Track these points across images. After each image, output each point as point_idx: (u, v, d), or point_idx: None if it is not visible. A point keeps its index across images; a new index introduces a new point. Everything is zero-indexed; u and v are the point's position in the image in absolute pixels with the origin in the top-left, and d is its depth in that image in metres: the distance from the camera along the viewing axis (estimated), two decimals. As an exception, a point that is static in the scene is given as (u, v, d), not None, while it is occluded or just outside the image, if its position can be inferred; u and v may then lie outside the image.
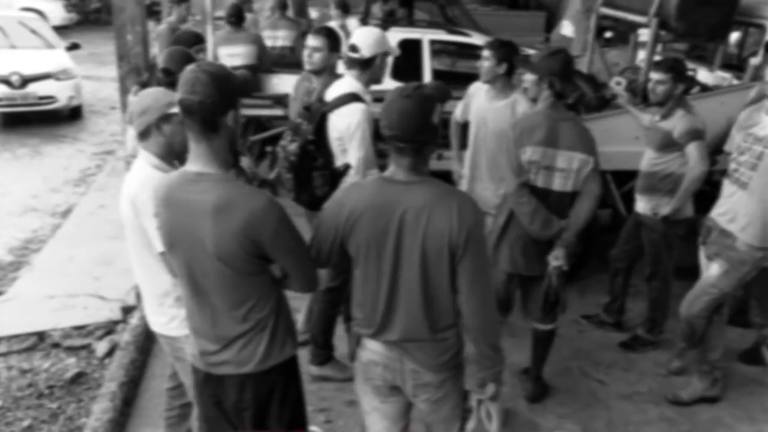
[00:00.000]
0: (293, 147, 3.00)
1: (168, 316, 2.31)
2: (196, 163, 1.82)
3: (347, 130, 2.94)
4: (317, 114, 3.03)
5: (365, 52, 3.04)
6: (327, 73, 3.35)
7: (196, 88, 1.75)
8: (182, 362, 2.30)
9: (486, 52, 3.48)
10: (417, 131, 1.86)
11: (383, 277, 1.95)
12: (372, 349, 2.05)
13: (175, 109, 2.19)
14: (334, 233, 1.96)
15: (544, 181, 2.92)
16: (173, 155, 2.27)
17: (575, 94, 4.48)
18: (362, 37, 3.09)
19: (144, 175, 2.18)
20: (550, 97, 2.92)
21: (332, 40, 3.32)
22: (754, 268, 3.08)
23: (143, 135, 2.23)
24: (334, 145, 3.02)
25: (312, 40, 3.31)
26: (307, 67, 3.38)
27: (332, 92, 3.10)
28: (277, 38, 6.19)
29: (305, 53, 3.35)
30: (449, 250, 1.87)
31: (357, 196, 1.95)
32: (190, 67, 1.81)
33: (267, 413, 2.00)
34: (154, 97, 2.26)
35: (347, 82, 3.09)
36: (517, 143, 2.91)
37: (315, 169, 3.00)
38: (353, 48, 3.06)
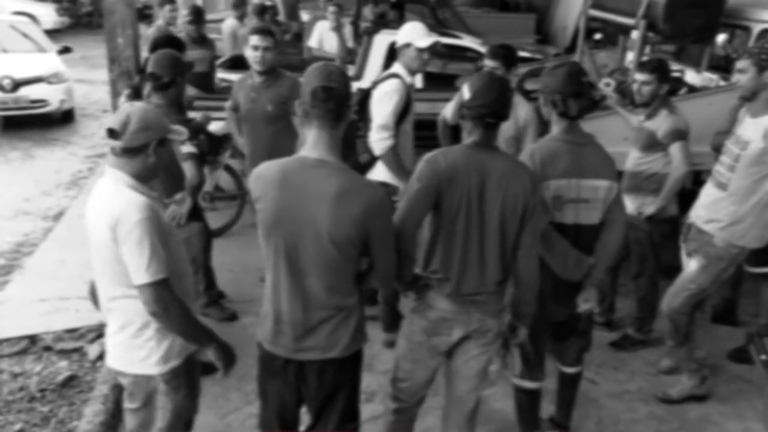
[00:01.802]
0: None
1: (146, 350, 2.13)
2: (316, 150, 1.94)
3: (377, 95, 3.34)
4: (360, 92, 3.44)
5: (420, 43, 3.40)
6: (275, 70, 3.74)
7: (333, 77, 1.92)
8: (154, 406, 2.22)
9: (489, 62, 3.47)
10: (507, 108, 2.24)
11: (466, 234, 2.21)
12: (442, 308, 2.31)
13: (173, 136, 2.14)
14: (434, 184, 2.17)
15: (573, 215, 2.58)
16: (151, 179, 2.13)
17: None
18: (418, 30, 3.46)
19: (127, 199, 2.00)
20: (559, 118, 2.55)
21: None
22: (731, 265, 3.14)
23: (133, 151, 2.03)
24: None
25: (263, 41, 3.62)
26: (257, 68, 3.68)
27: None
28: None
29: (257, 54, 3.64)
30: (523, 209, 2.21)
31: (452, 156, 2.22)
32: (321, 63, 2.01)
33: (337, 399, 2.10)
34: (157, 117, 2.11)
35: (395, 66, 3.48)
36: (538, 177, 2.43)
37: (358, 138, 3.39)
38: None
